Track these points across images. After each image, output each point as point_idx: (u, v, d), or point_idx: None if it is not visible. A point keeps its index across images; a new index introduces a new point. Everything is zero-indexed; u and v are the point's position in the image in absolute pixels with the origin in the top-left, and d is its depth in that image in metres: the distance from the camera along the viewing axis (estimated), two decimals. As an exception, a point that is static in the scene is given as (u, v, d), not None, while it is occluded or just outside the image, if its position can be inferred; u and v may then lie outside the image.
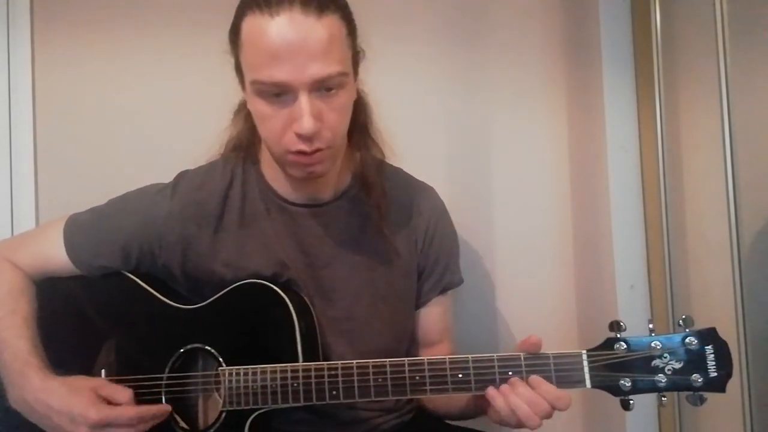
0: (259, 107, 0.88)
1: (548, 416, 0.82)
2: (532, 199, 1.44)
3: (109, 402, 0.92)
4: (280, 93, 0.85)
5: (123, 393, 0.93)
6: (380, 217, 1.01)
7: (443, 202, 1.11)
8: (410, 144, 1.29)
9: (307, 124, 0.83)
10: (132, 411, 0.91)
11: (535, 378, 0.82)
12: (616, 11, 1.41)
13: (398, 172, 1.11)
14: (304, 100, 0.84)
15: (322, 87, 0.85)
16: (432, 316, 1.08)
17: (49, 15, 1.39)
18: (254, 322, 0.96)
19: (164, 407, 0.95)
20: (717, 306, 1.14)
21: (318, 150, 0.88)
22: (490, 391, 0.84)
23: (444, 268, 1.07)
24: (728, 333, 1.11)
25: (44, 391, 0.90)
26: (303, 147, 0.87)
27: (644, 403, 1.41)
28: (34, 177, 1.37)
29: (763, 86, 1.10)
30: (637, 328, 0.95)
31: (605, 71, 1.41)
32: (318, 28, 0.82)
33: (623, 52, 1.40)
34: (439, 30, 1.43)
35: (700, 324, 0.83)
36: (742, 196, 1.09)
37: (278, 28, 0.82)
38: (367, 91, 1.04)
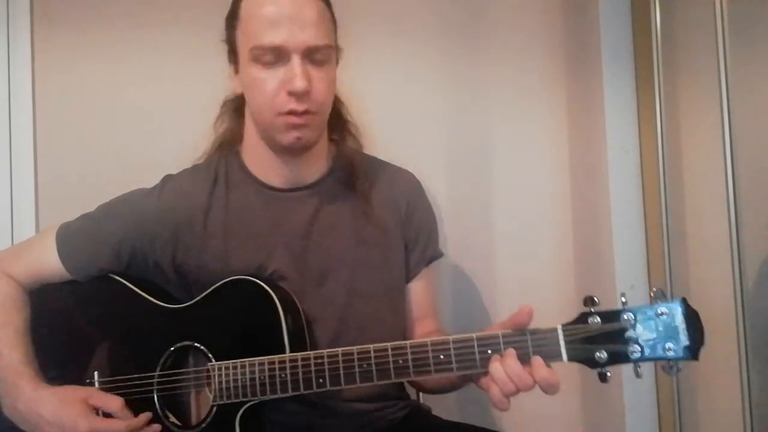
0: (255, 73, 0.96)
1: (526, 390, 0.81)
2: (532, 200, 1.44)
3: (101, 411, 0.95)
4: (275, 59, 0.95)
5: (114, 402, 0.96)
6: (365, 198, 1.07)
7: (419, 181, 1.16)
8: (410, 145, 1.29)
9: (299, 81, 0.94)
10: (122, 424, 0.94)
11: (536, 359, 0.83)
12: (616, 11, 1.41)
13: (373, 158, 1.17)
14: (296, 62, 0.94)
15: (312, 56, 0.96)
16: (419, 290, 1.12)
17: (49, 15, 1.39)
18: (242, 318, 0.98)
19: (149, 416, 0.97)
20: (717, 306, 1.14)
21: (307, 112, 0.96)
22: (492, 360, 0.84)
23: (426, 240, 1.12)
24: (728, 332, 1.12)
25: (36, 400, 0.93)
26: (294, 106, 0.95)
27: (643, 402, 1.42)
28: (34, 177, 1.37)
29: (763, 86, 1.10)
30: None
31: (605, 71, 1.41)
32: (309, 5, 0.96)
33: (623, 52, 1.40)
34: (440, 30, 1.43)
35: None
36: (742, 196, 1.09)
37: (277, 1, 0.95)
38: (349, 89, 1.12)
